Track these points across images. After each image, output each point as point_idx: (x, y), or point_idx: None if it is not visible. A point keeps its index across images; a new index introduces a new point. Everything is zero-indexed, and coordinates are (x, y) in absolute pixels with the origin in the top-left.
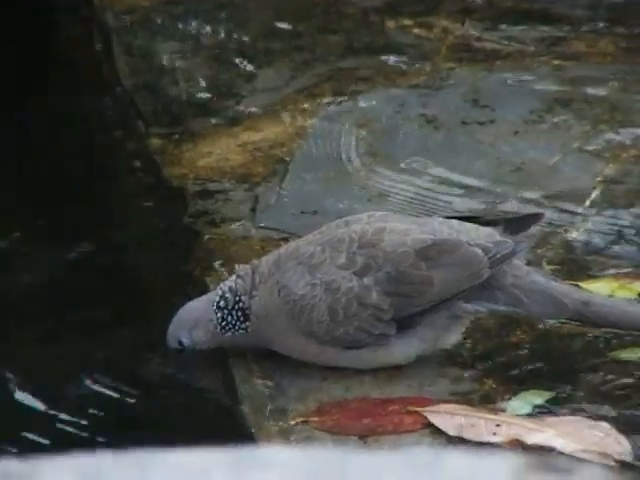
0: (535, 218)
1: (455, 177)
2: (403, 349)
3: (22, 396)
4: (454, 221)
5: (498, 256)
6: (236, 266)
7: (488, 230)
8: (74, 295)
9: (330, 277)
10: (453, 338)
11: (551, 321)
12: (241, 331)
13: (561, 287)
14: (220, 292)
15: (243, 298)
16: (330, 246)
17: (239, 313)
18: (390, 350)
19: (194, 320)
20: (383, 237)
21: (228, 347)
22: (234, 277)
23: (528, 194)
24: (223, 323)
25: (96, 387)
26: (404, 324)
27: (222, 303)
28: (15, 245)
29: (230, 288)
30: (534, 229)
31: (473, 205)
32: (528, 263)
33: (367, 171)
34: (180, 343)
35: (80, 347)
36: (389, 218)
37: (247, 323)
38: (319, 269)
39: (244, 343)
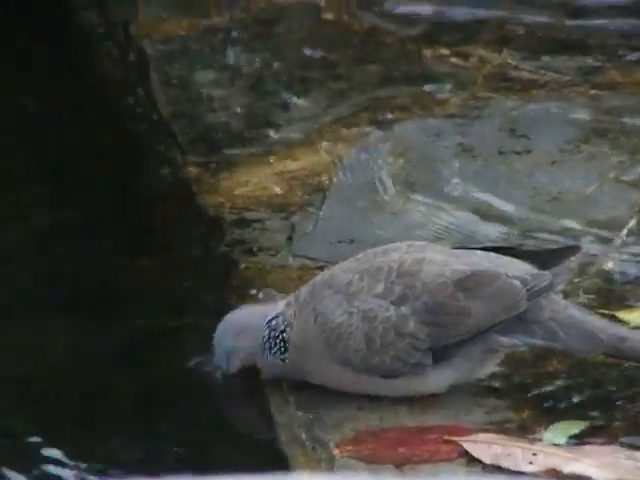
0: (572, 250)
1: (492, 206)
2: (438, 379)
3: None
4: (492, 254)
5: (536, 289)
6: (271, 294)
7: (526, 265)
8: (114, 318)
9: (367, 306)
10: (488, 369)
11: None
12: (279, 361)
13: (598, 322)
14: (274, 313)
15: (287, 330)
16: (368, 275)
17: (282, 343)
18: (426, 379)
19: (243, 325)
20: (422, 267)
21: (263, 374)
22: (284, 304)
23: (565, 223)
24: (267, 344)
25: (133, 415)
26: (440, 354)
27: (274, 323)
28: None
29: (282, 313)
30: (572, 261)
31: (510, 234)
32: (565, 294)
33: (403, 200)
34: (227, 355)
35: (121, 370)
36: (428, 249)
37: (286, 355)
38: (357, 297)
39: (280, 373)
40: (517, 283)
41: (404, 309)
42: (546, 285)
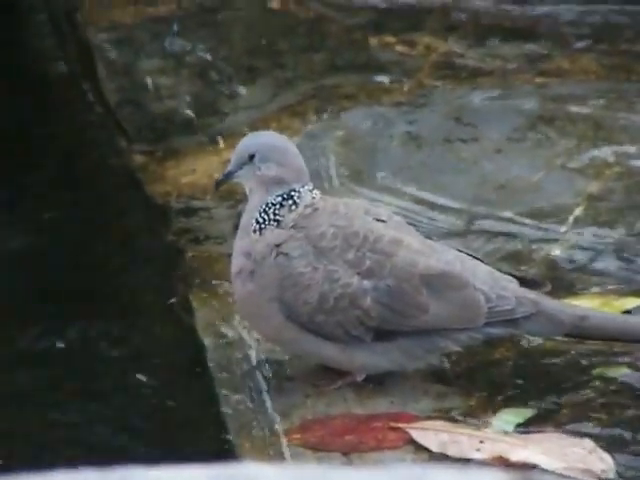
0: (539, 285)
1: (438, 195)
2: (369, 360)
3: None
4: (466, 256)
5: (497, 309)
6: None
7: (505, 279)
8: (58, 303)
9: (334, 267)
10: (421, 365)
11: (534, 338)
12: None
13: (556, 304)
14: (300, 192)
15: (284, 217)
16: (343, 235)
17: (270, 217)
18: (357, 355)
19: (280, 158)
20: (398, 251)
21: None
22: (312, 194)
23: (511, 212)
24: (267, 206)
25: (82, 402)
26: (382, 337)
27: (278, 199)
28: None
29: (299, 196)
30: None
31: (456, 223)
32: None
33: (348, 189)
34: (250, 157)
35: (67, 361)
36: (406, 230)
37: (261, 230)
38: (326, 255)
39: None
40: (481, 298)
41: (366, 283)
42: (507, 310)
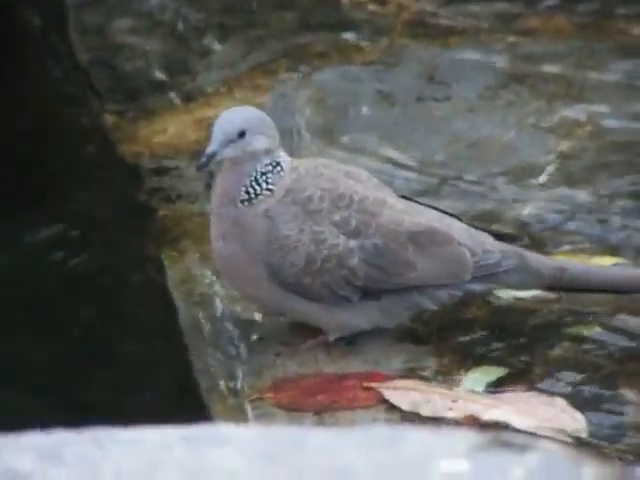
0: (514, 238)
1: (410, 154)
2: (353, 318)
3: None
4: (443, 214)
5: (482, 264)
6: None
7: (482, 234)
8: (26, 270)
9: (320, 228)
10: (401, 321)
11: (503, 296)
12: (244, 197)
13: (536, 256)
14: (282, 159)
15: (268, 189)
16: (330, 197)
17: (260, 187)
18: (343, 314)
19: (267, 130)
20: (382, 211)
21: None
22: (289, 163)
23: (483, 170)
24: (251, 179)
25: (47, 364)
26: (368, 295)
27: (268, 168)
28: None
29: (283, 165)
30: (518, 246)
31: (428, 182)
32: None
33: (319, 147)
34: (241, 134)
35: (30, 323)
36: (386, 192)
37: (258, 199)
38: (313, 217)
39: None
40: (467, 253)
41: (353, 243)
42: (493, 263)
